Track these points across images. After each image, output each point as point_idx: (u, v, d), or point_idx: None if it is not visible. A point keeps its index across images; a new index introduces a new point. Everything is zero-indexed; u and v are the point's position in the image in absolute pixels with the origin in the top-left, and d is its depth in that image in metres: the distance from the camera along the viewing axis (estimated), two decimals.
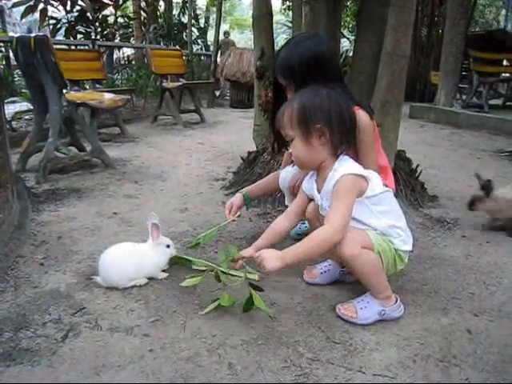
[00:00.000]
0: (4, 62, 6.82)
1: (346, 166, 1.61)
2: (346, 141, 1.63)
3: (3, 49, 6.53)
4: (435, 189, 3.24)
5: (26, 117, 5.94)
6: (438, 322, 1.64)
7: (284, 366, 1.38)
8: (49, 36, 4.49)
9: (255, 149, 3.40)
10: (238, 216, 2.17)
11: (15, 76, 6.69)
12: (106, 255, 1.84)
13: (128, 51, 10.78)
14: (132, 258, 1.84)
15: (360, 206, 1.60)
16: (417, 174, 3.12)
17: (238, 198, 2.20)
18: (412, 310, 1.72)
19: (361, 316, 1.61)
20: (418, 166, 3.14)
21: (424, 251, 2.27)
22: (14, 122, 5.52)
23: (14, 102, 6.42)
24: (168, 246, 1.95)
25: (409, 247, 1.68)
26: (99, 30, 8.50)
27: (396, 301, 1.66)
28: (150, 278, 1.89)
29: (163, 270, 1.94)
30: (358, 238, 1.58)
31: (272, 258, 1.50)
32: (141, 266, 1.85)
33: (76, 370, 1.33)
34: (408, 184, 2.97)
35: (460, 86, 8.75)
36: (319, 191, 1.71)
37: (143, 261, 1.86)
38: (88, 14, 7.98)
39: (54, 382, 1.28)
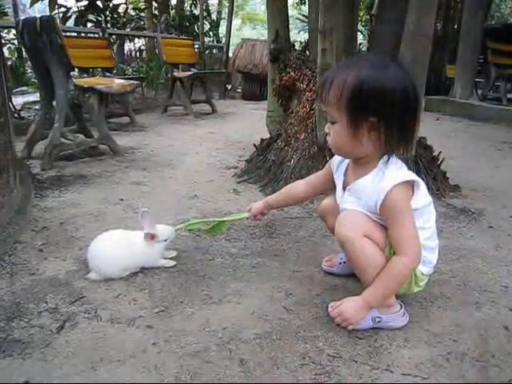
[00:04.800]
0: (16, 55, 6.84)
1: (394, 171, 1.31)
2: (402, 137, 1.30)
3: (16, 41, 6.54)
4: (457, 179, 3.04)
5: (36, 107, 5.85)
6: (471, 317, 1.49)
7: (302, 364, 1.23)
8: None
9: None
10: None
11: (26, 68, 6.66)
12: (94, 245, 1.70)
13: (139, 43, 10.68)
14: (123, 247, 1.69)
15: None
16: (438, 162, 2.95)
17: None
18: (441, 303, 1.57)
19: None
20: (439, 154, 2.97)
21: (449, 242, 2.11)
22: (22, 112, 5.44)
23: (23, 92, 6.39)
24: (165, 240, 1.77)
25: (427, 269, 1.45)
26: (109, 18, 8.42)
27: (400, 309, 1.43)
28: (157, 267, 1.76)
29: (170, 258, 1.81)
30: (363, 225, 1.36)
31: (357, 312, 1.36)
32: (132, 255, 1.69)
33: (70, 363, 1.20)
34: (429, 172, 2.80)
35: (476, 80, 8.54)
36: (345, 187, 1.45)
37: (135, 250, 1.70)
38: (98, 3, 7.91)
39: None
